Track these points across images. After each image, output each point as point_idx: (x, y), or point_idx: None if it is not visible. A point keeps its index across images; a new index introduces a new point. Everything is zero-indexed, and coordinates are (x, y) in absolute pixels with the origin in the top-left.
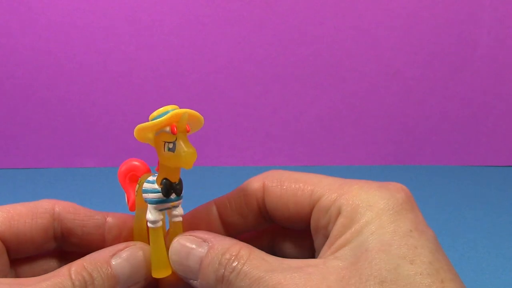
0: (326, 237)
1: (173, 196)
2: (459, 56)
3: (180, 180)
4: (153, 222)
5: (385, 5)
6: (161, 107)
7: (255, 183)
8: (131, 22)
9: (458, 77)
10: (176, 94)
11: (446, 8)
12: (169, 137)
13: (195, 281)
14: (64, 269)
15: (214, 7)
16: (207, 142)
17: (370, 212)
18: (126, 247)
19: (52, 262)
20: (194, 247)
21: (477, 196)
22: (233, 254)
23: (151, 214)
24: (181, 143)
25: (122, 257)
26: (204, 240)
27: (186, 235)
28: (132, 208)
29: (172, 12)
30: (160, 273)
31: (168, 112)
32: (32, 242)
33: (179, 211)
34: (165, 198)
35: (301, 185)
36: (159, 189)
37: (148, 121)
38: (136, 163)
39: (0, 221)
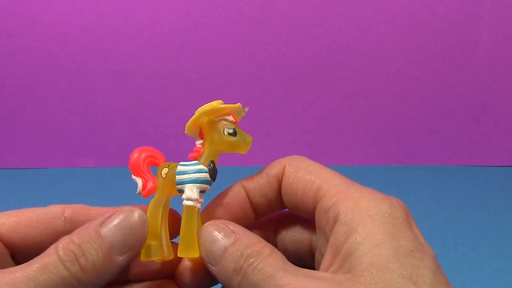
0: (326, 236)
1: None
2: (459, 56)
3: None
4: (194, 200)
5: (386, 5)
6: (208, 102)
7: (278, 165)
8: (131, 22)
9: (458, 77)
10: (176, 94)
11: (446, 8)
12: (229, 124)
13: (214, 267)
14: (51, 248)
15: (214, 7)
16: None
17: (371, 224)
18: (113, 214)
19: None
20: (222, 235)
21: (477, 196)
22: (256, 249)
23: (192, 192)
24: (241, 130)
25: (111, 224)
26: (233, 232)
27: (218, 222)
28: (148, 194)
29: (172, 12)
30: (187, 253)
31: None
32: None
33: (202, 198)
34: (209, 179)
35: (312, 177)
36: (207, 169)
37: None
38: (154, 153)
39: (7, 226)
